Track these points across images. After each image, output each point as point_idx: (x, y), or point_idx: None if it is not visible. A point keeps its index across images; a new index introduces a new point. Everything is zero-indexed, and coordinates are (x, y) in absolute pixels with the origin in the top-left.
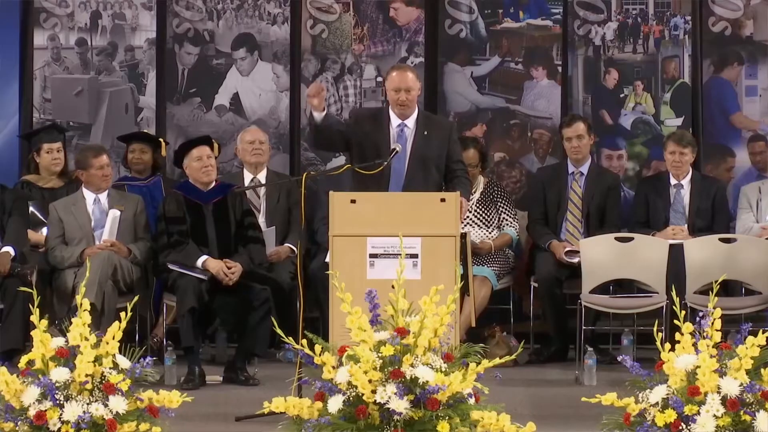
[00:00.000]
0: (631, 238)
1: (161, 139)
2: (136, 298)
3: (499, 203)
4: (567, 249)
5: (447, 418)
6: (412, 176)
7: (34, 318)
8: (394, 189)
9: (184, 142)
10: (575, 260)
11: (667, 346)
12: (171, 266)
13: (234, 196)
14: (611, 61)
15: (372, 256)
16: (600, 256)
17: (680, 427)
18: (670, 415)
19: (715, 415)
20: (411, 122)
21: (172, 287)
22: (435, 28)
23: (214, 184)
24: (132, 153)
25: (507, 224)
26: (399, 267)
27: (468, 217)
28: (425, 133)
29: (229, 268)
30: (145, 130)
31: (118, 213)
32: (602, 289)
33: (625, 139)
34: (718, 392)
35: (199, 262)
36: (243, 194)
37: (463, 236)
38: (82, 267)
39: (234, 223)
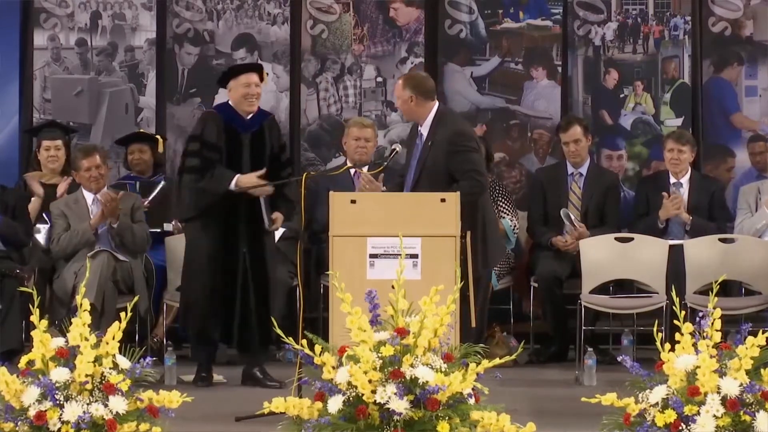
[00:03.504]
0: (631, 238)
1: (158, 137)
2: (136, 298)
3: (499, 202)
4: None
5: (447, 418)
6: (416, 186)
7: (34, 318)
8: None
9: (234, 66)
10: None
11: (667, 346)
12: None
13: (272, 126)
14: (611, 62)
15: (372, 256)
16: (600, 256)
17: (680, 428)
18: (670, 416)
19: (715, 416)
20: (425, 130)
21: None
22: (435, 29)
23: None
24: (131, 154)
25: (502, 216)
26: (399, 267)
27: None
28: (430, 143)
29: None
30: (144, 130)
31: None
32: (602, 289)
33: (625, 140)
34: (718, 392)
35: (233, 185)
36: (278, 127)
37: (464, 236)
38: (82, 267)
39: (270, 155)
